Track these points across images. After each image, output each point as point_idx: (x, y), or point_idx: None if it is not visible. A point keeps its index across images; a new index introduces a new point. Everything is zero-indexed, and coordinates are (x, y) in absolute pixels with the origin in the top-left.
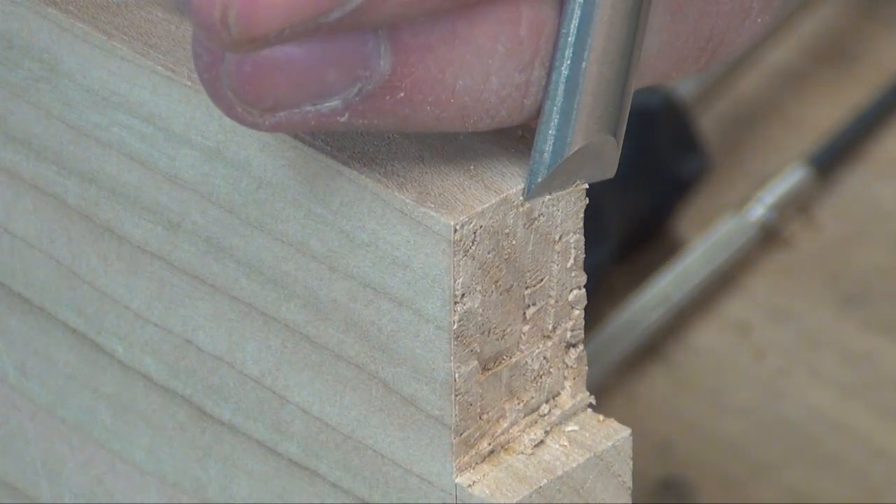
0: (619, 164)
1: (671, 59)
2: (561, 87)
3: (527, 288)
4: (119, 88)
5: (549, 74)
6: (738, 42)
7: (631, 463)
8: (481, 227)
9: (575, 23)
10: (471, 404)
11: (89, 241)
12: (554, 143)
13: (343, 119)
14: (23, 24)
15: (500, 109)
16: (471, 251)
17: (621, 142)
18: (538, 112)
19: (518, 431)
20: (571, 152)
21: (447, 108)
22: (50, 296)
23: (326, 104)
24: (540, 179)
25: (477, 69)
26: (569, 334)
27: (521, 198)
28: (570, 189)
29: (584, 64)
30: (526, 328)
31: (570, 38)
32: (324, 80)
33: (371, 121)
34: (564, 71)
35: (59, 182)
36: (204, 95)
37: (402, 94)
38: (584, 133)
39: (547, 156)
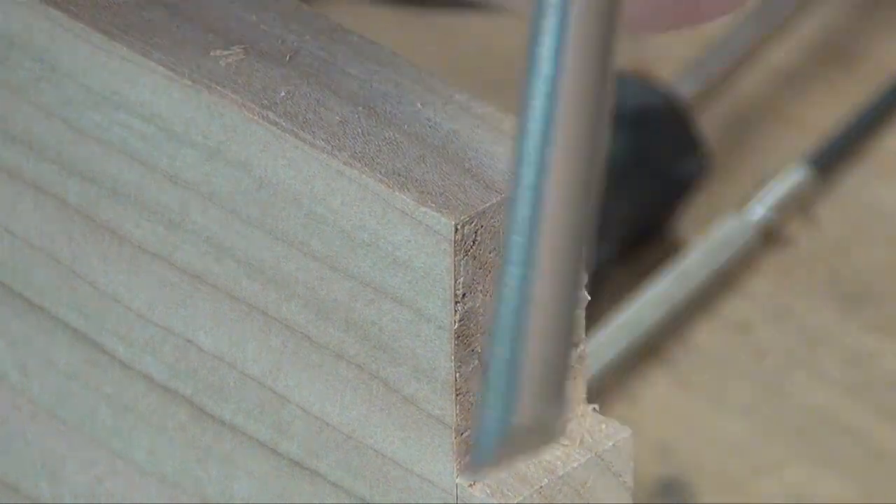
0: (620, 163)
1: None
2: (504, 362)
3: None
4: (120, 88)
5: (487, 348)
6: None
7: (632, 463)
8: (482, 226)
9: (511, 305)
10: (472, 404)
11: (90, 240)
12: (500, 420)
13: None
14: (23, 24)
15: None
16: (472, 251)
17: (564, 416)
18: None
19: None
20: (517, 430)
21: None
22: (50, 296)
23: None
24: (485, 461)
25: None
26: None
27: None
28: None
29: (525, 346)
30: None
31: (505, 320)
32: None
33: None
34: (503, 353)
35: (60, 182)
36: (205, 95)
37: None
38: (527, 413)
39: (492, 434)
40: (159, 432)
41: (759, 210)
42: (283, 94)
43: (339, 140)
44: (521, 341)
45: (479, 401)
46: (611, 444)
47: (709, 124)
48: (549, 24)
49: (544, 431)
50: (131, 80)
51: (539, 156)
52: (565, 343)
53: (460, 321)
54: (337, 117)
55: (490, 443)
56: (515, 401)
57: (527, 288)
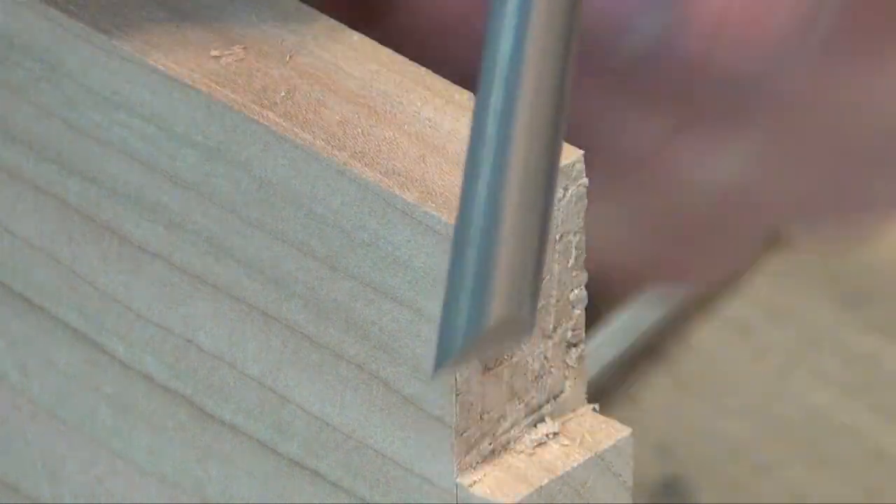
0: None
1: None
2: (473, 260)
3: None
4: (120, 88)
5: (455, 245)
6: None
7: (632, 463)
8: None
9: (484, 200)
10: (472, 404)
11: (90, 240)
12: (467, 320)
13: None
14: (23, 24)
15: None
16: None
17: (535, 315)
18: None
19: (519, 431)
20: (486, 330)
21: None
22: (50, 296)
23: None
24: (451, 358)
25: None
26: (570, 334)
27: (431, 370)
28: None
29: (498, 237)
30: None
31: (479, 210)
32: None
33: None
34: (475, 243)
35: (60, 182)
36: (205, 95)
37: None
38: (499, 309)
39: (459, 332)
40: (159, 432)
41: None
42: (283, 94)
43: (339, 140)
44: (494, 238)
45: (447, 296)
46: (611, 443)
47: None
48: None
49: (515, 330)
50: (131, 80)
51: (514, 37)
52: (539, 240)
53: None
54: (337, 117)
55: (460, 340)
56: (487, 299)
57: (500, 182)
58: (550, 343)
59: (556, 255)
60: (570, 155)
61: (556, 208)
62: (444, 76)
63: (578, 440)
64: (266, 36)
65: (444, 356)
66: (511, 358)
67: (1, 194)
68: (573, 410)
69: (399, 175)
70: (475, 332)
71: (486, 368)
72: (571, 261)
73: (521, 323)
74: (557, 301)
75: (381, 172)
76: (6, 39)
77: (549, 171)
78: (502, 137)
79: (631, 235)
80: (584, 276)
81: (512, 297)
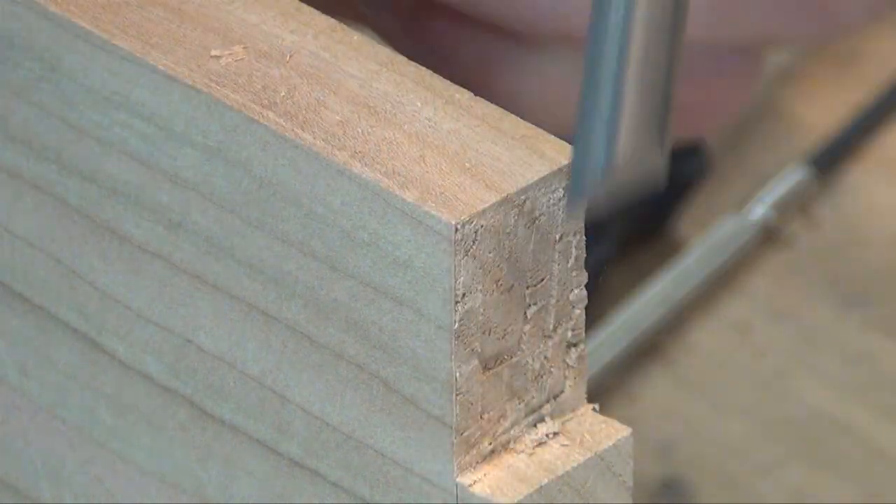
0: None
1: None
2: (605, 97)
3: (528, 287)
4: (120, 88)
5: (585, 83)
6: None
7: (631, 463)
8: (482, 226)
9: (616, 24)
10: (472, 404)
11: (90, 240)
12: (601, 155)
13: None
14: (23, 24)
15: None
16: (472, 251)
17: (668, 151)
18: None
19: (519, 431)
20: (618, 165)
21: None
22: (50, 296)
23: None
24: (585, 192)
25: None
26: (570, 334)
27: (562, 213)
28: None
29: (628, 72)
30: (527, 328)
31: (609, 46)
32: None
33: None
34: (607, 80)
35: (60, 182)
36: (205, 95)
37: None
38: (630, 145)
39: (592, 168)
40: (159, 432)
41: (759, 210)
42: (283, 94)
43: (339, 140)
44: (623, 78)
45: (579, 133)
46: (611, 443)
47: None
48: None
49: (647, 165)
50: (131, 80)
51: None
52: (666, 83)
53: (460, 321)
54: (337, 117)
55: (594, 175)
56: (616, 137)
57: (628, 28)
58: (550, 343)
59: (556, 255)
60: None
61: (556, 209)
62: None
63: (578, 440)
64: (266, 36)
65: (579, 192)
66: (511, 358)
67: (1, 194)
68: (573, 410)
69: (399, 175)
70: (609, 165)
71: (486, 368)
72: (571, 261)
73: (653, 158)
74: (557, 301)
75: (381, 172)
76: (6, 39)
77: (676, 9)
78: None
79: None
80: (584, 276)
81: (643, 131)
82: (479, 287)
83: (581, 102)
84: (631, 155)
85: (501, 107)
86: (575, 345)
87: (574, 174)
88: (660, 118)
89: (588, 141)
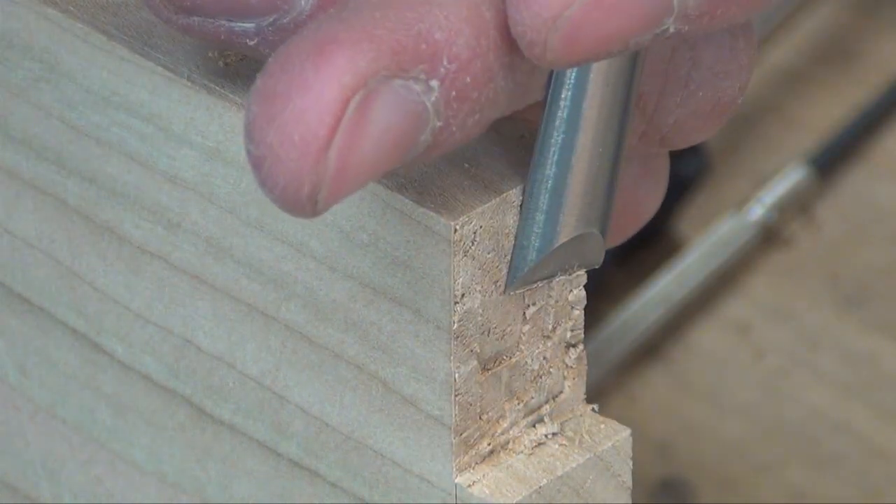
0: None
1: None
2: (547, 186)
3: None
4: (119, 88)
5: (532, 170)
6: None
7: (631, 463)
8: (481, 227)
9: (561, 122)
10: (471, 404)
11: (89, 241)
12: (540, 239)
13: (252, 43)
14: (23, 24)
15: None
16: (470, 251)
17: (607, 234)
18: None
19: (518, 431)
20: (556, 246)
21: None
22: (50, 296)
23: (240, 24)
24: (523, 273)
25: None
26: (569, 334)
27: (501, 288)
28: (553, 280)
29: (572, 163)
30: (526, 328)
31: (556, 138)
32: (247, 1)
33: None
34: (550, 170)
35: (59, 182)
36: (204, 95)
37: None
38: (570, 228)
39: (532, 251)
40: (159, 432)
41: (759, 210)
42: None
43: None
44: (570, 159)
45: (521, 219)
46: (610, 444)
47: None
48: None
49: (583, 250)
50: (131, 80)
51: None
52: (611, 167)
53: (459, 321)
54: None
55: (532, 257)
56: (559, 220)
57: (575, 115)
58: (549, 343)
59: None
60: None
61: None
62: None
63: (578, 440)
64: None
65: (518, 270)
66: (510, 358)
67: (1, 194)
68: (572, 411)
69: (398, 175)
70: (547, 249)
71: (485, 369)
72: None
73: (592, 239)
74: (556, 301)
75: None
76: (6, 39)
77: (624, 95)
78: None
79: None
80: (583, 277)
81: (583, 215)
82: (478, 287)
83: (526, 188)
84: (570, 241)
85: None
86: (574, 345)
87: (515, 252)
88: (602, 207)
89: (530, 226)
